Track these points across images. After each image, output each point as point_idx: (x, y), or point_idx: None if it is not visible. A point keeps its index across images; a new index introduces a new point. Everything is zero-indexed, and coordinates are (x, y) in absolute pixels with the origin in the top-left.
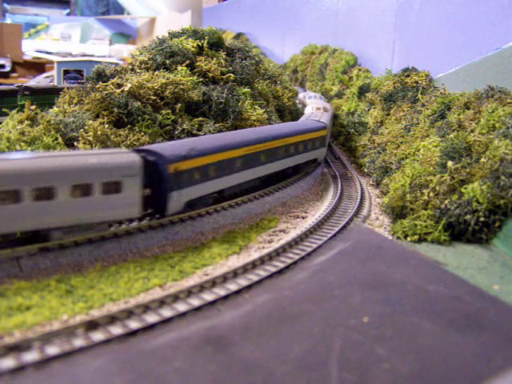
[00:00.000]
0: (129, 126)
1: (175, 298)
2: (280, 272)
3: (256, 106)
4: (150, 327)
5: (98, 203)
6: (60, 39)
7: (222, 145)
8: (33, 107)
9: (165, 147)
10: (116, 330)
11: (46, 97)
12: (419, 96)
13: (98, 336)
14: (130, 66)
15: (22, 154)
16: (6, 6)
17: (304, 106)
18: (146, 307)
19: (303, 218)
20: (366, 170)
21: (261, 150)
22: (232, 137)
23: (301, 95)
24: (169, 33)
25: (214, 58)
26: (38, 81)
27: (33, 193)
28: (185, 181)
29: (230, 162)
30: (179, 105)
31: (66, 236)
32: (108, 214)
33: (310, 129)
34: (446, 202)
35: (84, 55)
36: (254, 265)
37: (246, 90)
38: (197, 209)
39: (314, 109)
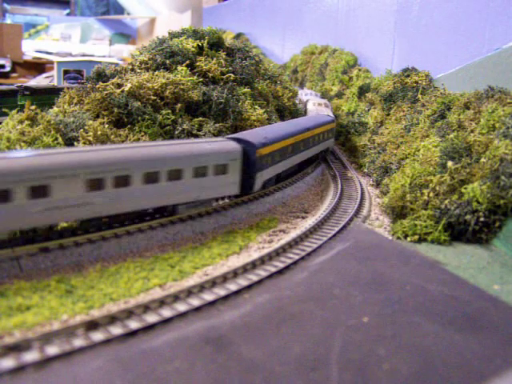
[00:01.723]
0: (129, 126)
1: (175, 297)
2: (280, 272)
3: (256, 106)
4: (150, 327)
5: (211, 183)
6: (60, 39)
7: (282, 134)
8: (33, 107)
9: (250, 135)
10: (116, 329)
11: (45, 97)
12: (419, 96)
13: (97, 336)
14: (130, 66)
15: (160, 142)
16: (6, 5)
17: (300, 102)
18: (145, 307)
19: (303, 218)
20: (366, 170)
21: (300, 140)
22: (285, 127)
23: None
24: (169, 33)
25: (214, 58)
26: (38, 81)
27: (168, 174)
28: (264, 164)
29: (286, 148)
30: (179, 105)
31: (187, 211)
32: (217, 192)
33: (325, 122)
34: (446, 202)
35: (84, 55)
36: (254, 265)
37: (246, 90)
38: (266, 188)
39: (316, 105)
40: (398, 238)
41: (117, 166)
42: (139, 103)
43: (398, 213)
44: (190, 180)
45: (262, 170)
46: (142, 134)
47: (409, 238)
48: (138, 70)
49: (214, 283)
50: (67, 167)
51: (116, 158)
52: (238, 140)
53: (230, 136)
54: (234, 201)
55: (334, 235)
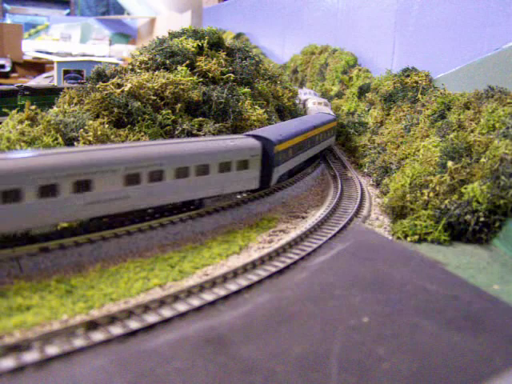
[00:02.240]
0: (129, 125)
1: (175, 297)
2: (280, 272)
3: (256, 106)
4: (150, 327)
5: (234, 177)
6: (60, 39)
7: (294, 132)
8: (33, 107)
9: (267, 132)
10: (116, 329)
11: (45, 97)
12: (419, 96)
13: (97, 336)
14: (130, 66)
15: (189, 139)
16: (6, 6)
17: (300, 101)
18: (145, 307)
19: (303, 218)
20: (366, 170)
21: (309, 137)
22: (296, 125)
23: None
24: (169, 33)
25: (214, 58)
26: (38, 81)
27: (196, 169)
28: (279, 160)
29: (298, 145)
30: (179, 105)
31: (213, 204)
32: (239, 186)
33: (329, 120)
34: (446, 202)
35: (84, 55)
36: (254, 265)
37: (246, 90)
38: (280, 183)
39: (316, 104)
40: (398, 238)
41: (152, 161)
42: (139, 103)
43: (397, 213)
44: (216, 175)
45: (278, 166)
46: (142, 134)
47: (409, 238)
48: (138, 70)
49: (214, 283)
50: (108, 163)
51: (151, 154)
52: (257, 137)
53: (248, 133)
54: (234, 201)
55: (334, 235)
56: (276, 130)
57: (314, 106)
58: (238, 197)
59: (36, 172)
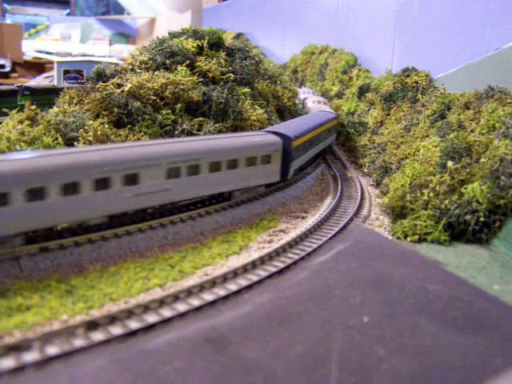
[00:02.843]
0: (129, 126)
1: (175, 297)
2: (280, 272)
3: (256, 106)
4: (150, 327)
5: (259, 171)
6: (60, 39)
7: (305, 128)
8: (33, 107)
9: (284, 129)
10: (116, 329)
11: (46, 97)
12: (419, 96)
13: (97, 336)
14: (130, 66)
15: (221, 135)
16: (6, 6)
17: (299, 100)
18: (145, 307)
19: (303, 218)
20: (366, 170)
21: (316, 134)
22: (305, 122)
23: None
24: (169, 33)
25: (214, 58)
26: (38, 81)
27: (227, 163)
28: (295, 155)
29: (308, 141)
30: (179, 105)
31: (241, 196)
32: (263, 180)
33: (330, 118)
34: (446, 202)
35: (84, 55)
36: (254, 265)
37: (246, 90)
38: (294, 176)
39: (316, 102)
40: (398, 238)
41: (190, 156)
42: (139, 103)
43: (398, 213)
44: (244, 169)
45: (294, 160)
46: (142, 134)
47: (409, 238)
48: (138, 70)
49: (214, 283)
50: (153, 158)
51: (190, 150)
52: (276, 133)
53: (266, 130)
54: (234, 201)
55: (334, 235)
56: (290, 127)
57: (314, 104)
58: (261, 190)
59: (93, 166)
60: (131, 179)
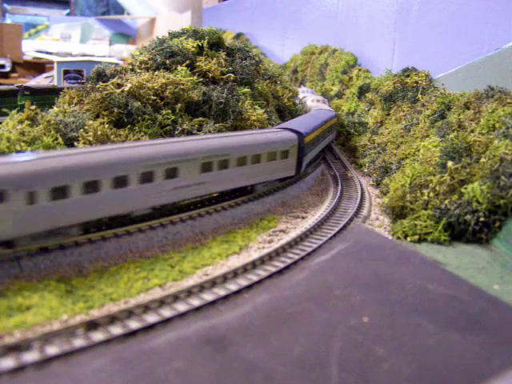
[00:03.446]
0: (129, 126)
1: (175, 297)
2: (280, 272)
3: (256, 106)
4: (150, 327)
5: (278, 165)
6: (60, 39)
7: (313, 126)
8: (33, 107)
9: (296, 125)
10: (116, 329)
11: (45, 97)
12: (419, 96)
13: (97, 336)
14: (130, 66)
15: (245, 131)
16: (6, 6)
17: (299, 100)
18: (145, 307)
19: (303, 218)
20: (366, 170)
21: (322, 131)
22: (311, 120)
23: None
24: (169, 33)
25: (214, 58)
26: (38, 81)
27: (252, 158)
28: (307, 150)
29: (315, 138)
30: (179, 105)
31: (262, 189)
32: (281, 174)
33: (331, 116)
34: (446, 202)
35: (84, 55)
36: (253, 265)
37: (246, 90)
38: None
39: (315, 101)
40: (398, 238)
41: (221, 151)
42: (139, 103)
43: (398, 213)
44: (265, 163)
45: (305, 155)
46: (142, 134)
47: (409, 238)
48: (138, 70)
49: (214, 283)
50: (190, 153)
51: (221, 146)
52: (290, 130)
53: (279, 126)
54: (234, 201)
55: (334, 235)
56: (300, 124)
57: (313, 103)
58: (278, 184)
59: (140, 160)
60: (171, 173)
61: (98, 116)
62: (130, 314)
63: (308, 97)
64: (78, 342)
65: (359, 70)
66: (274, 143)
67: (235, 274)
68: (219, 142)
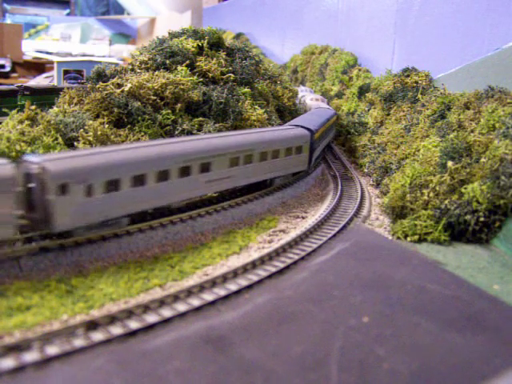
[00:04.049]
0: (129, 126)
1: (175, 297)
2: (280, 272)
3: (256, 106)
4: (150, 327)
5: (293, 160)
6: (60, 39)
7: (319, 123)
8: (33, 107)
9: (305, 123)
10: (116, 329)
11: (45, 97)
12: (419, 96)
13: (97, 336)
14: (130, 66)
15: (265, 128)
16: (6, 5)
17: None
18: (145, 307)
19: (303, 218)
20: (366, 170)
21: (325, 128)
22: (316, 118)
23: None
24: (169, 33)
25: (214, 58)
26: (38, 81)
27: (272, 153)
28: (315, 146)
29: (321, 135)
30: (179, 105)
31: (280, 182)
32: (296, 168)
33: (333, 114)
34: (446, 202)
35: (84, 55)
36: (254, 265)
37: (246, 90)
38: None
39: (314, 100)
40: (398, 238)
41: (246, 147)
42: (139, 103)
43: (398, 213)
44: (283, 158)
45: (315, 151)
46: (142, 134)
47: (409, 238)
48: (138, 70)
49: (214, 283)
50: (221, 148)
51: (246, 142)
52: (302, 127)
53: (290, 123)
54: (234, 201)
55: (334, 235)
56: (308, 121)
57: (312, 101)
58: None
59: (179, 155)
60: (205, 167)
61: (97, 116)
62: (129, 314)
63: (307, 96)
64: (78, 342)
65: (359, 69)
66: (291, 139)
67: (235, 273)
68: (244, 138)
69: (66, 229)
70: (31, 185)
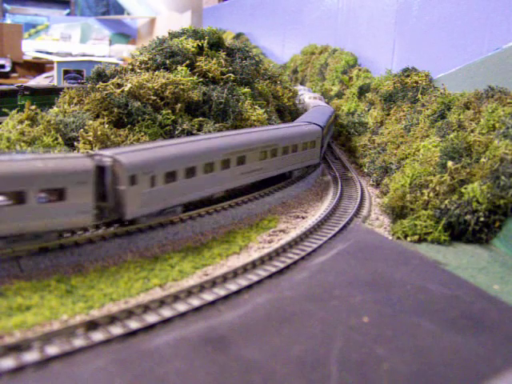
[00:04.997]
0: (129, 126)
1: (175, 297)
2: (280, 272)
3: (256, 106)
4: (150, 327)
5: (308, 154)
6: (60, 39)
7: (325, 119)
8: (33, 107)
9: (313, 119)
10: (116, 329)
11: (45, 97)
12: (419, 96)
13: (97, 336)
14: (130, 66)
15: (285, 124)
16: (6, 6)
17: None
18: (145, 307)
19: (303, 218)
20: (366, 170)
21: (329, 124)
22: (319, 115)
23: None
24: (169, 33)
25: (214, 58)
26: (38, 81)
27: (292, 147)
28: (324, 141)
29: (327, 131)
30: (179, 105)
31: (298, 174)
32: (310, 161)
33: (332, 112)
34: (446, 202)
35: (84, 55)
36: (253, 265)
37: (246, 90)
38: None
39: (312, 98)
40: (398, 238)
41: (272, 141)
42: (139, 103)
43: (398, 213)
44: (301, 152)
45: (323, 147)
46: (142, 134)
47: (409, 238)
48: (138, 70)
49: (214, 283)
50: (253, 143)
51: (272, 137)
52: (313, 123)
53: (301, 120)
54: (234, 201)
55: (334, 235)
56: (316, 119)
57: (311, 100)
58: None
59: (222, 149)
60: (241, 160)
61: (98, 116)
62: (130, 314)
63: (305, 94)
64: (78, 342)
65: (359, 69)
66: (307, 135)
67: (235, 274)
68: (271, 133)
69: (135, 216)
70: (104, 176)
